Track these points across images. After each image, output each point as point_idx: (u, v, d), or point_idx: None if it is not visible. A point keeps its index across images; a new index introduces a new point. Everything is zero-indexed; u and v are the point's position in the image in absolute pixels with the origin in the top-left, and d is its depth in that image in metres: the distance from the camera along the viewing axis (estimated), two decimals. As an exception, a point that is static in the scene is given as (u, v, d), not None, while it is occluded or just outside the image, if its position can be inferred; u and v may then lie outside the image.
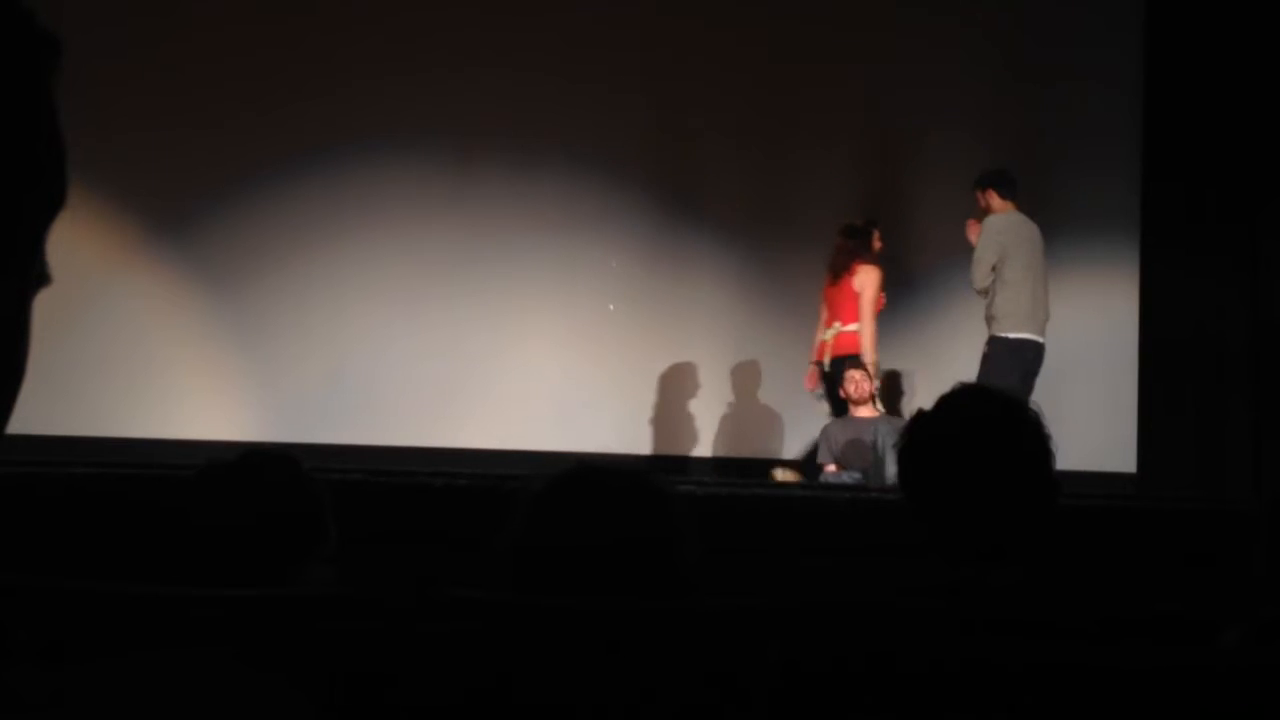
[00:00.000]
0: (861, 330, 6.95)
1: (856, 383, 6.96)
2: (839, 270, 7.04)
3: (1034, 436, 1.95)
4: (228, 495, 2.01)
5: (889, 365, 7.68)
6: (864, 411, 7.00)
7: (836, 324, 7.03)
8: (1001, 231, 6.48)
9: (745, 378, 7.96)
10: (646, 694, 1.46)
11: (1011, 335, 6.43)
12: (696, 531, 1.83)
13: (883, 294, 7.10)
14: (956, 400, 1.99)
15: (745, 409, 7.95)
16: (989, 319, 6.49)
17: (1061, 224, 7.79)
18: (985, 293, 6.50)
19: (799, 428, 7.56)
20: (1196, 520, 4.61)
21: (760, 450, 7.79)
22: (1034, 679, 1.42)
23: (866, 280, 6.99)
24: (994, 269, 6.47)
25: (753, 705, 1.44)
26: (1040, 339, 6.53)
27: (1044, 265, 6.63)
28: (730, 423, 7.95)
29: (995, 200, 6.62)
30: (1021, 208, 6.63)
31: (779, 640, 1.46)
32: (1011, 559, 1.91)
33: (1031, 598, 1.83)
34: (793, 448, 7.60)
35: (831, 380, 7.05)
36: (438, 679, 1.47)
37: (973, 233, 6.63)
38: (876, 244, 7.15)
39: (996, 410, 1.96)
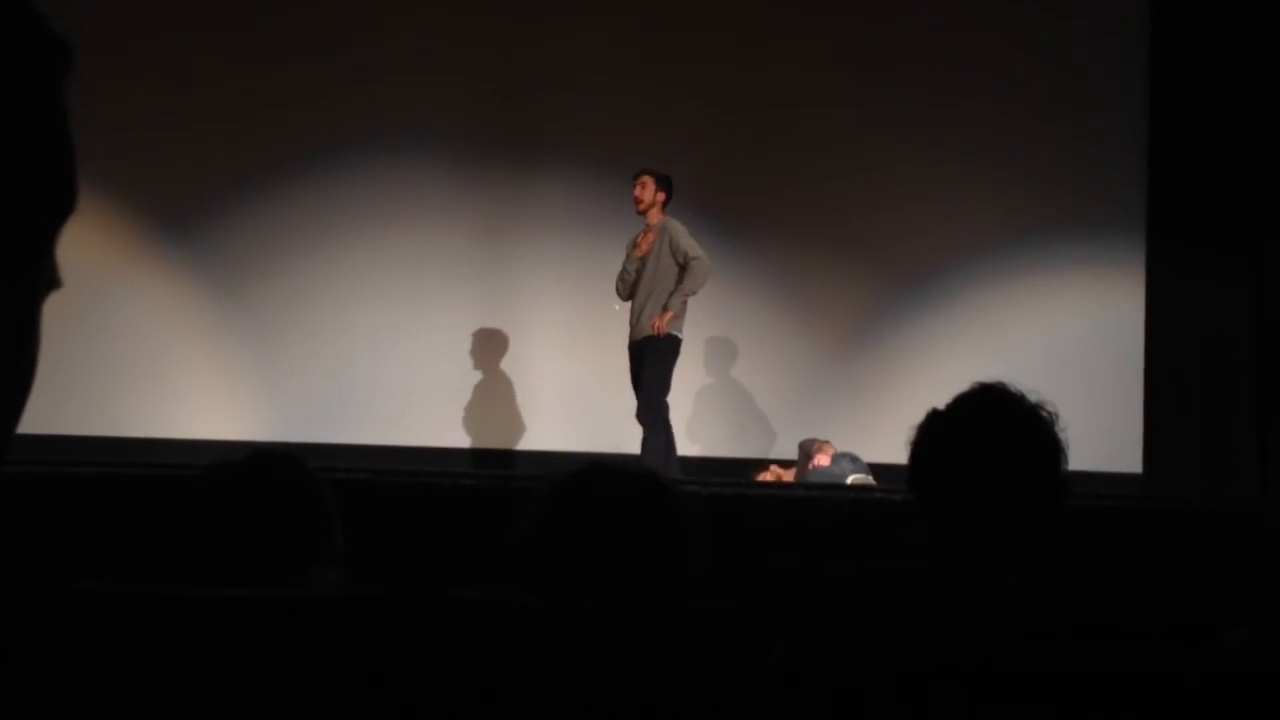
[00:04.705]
0: None
1: (778, 475, 7.02)
2: None
3: (1047, 437, 1.94)
4: (234, 496, 2.01)
5: (898, 362, 7.68)
6: (823, 460, 6.97)
7: None
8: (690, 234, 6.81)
9: (751, 377, 7.96)
10: (651, 694, 1.46)
11: (680, 334, 6.82)
12: (704, 531, 1.83)
13: None
14: (971, 400, 1.98)
15: (752, 408, 7.95)
16: (665, 318, 6.72)
17: (1067, 223, 7.79)
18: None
19: (803, 428, 7.54)
20: (1202, 521, 4.61)
21: (768, 450, 7.78)
22: (1041, 680, 1.42)
23: None
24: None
25: (758, 706, 1.44)
26: None
27: None
28: (737, 423, 7.94)
29: (659, 208, 6.89)
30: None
31: (785, 641, 1.46)
32: (1020, 560, 1.90)
33: (1040, 599, 1.82)
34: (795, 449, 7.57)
35: None
36: (439, 680, 1.47)
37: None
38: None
39: (1011, 410, 1.95)
